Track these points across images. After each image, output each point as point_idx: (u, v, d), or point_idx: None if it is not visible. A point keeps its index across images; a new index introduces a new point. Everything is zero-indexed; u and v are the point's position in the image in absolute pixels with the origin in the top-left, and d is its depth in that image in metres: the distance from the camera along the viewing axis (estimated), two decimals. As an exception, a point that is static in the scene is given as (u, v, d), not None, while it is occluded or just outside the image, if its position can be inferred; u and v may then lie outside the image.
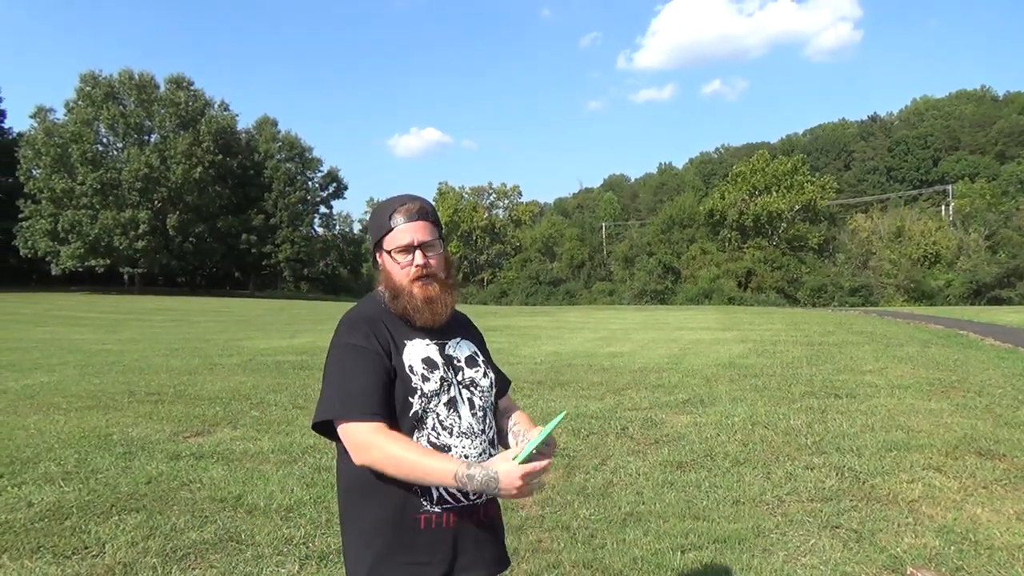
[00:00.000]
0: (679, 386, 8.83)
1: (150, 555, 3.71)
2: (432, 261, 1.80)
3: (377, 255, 1.86)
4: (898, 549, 3.76)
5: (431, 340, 1.83)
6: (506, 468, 1.60)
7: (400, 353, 1.76)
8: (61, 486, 4.78)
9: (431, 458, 1.65)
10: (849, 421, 6.75)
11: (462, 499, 1.73)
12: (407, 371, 1.74)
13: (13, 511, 4.31)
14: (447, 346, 1.86)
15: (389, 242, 1.80)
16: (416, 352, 1.78)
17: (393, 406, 1.72)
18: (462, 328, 1.98)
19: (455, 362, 1.85)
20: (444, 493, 1.71)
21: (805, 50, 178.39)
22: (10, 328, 19.51)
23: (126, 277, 52.41)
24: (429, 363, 1.78)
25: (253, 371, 10.32)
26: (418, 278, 1.79)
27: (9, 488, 4.75)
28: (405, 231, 1.79)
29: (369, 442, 1.65)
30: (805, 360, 11.30)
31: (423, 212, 1.82)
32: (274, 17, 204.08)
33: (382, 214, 1.83)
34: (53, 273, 50.10)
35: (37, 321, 22.61)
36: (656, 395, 8.22)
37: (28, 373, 10.06)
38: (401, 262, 1.79)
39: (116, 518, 4.21)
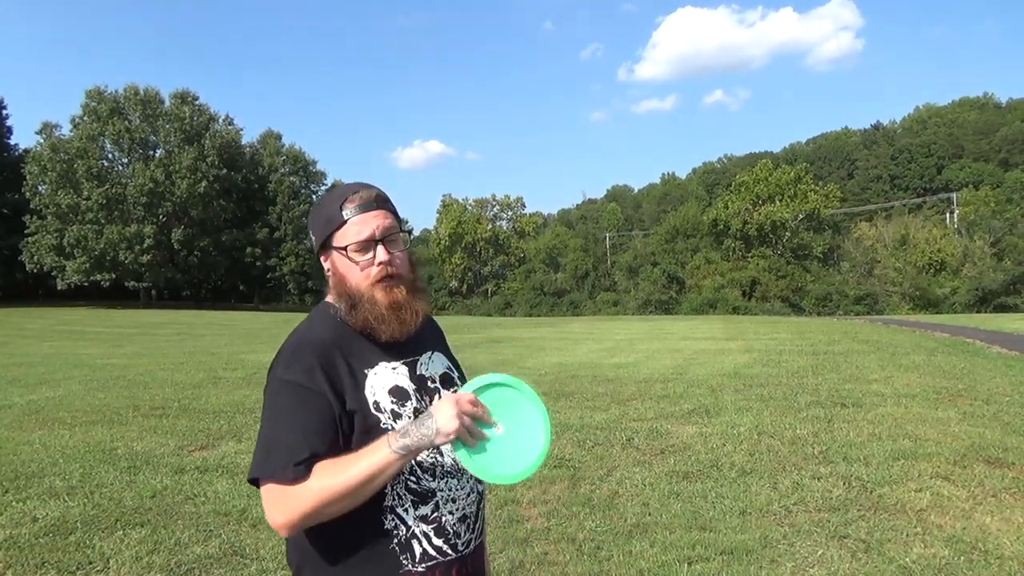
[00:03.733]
0: (684, 396, 8.80)
1: (154, 570, 3.70)
2: (397, 259, 1.49)
3: (324, 258, 1.53)
4: (907, 559, 3.73)
5: (399, 360, 1.52)
6: (440, 406, 1.36)
7: (361, 388, 1.44)
8: (66, 501, 4.78)
9: (361, 460, 1.34)
10: (856, 430, 6.71)
11: (450, 552, 1.48)
12: (371, 409, 1.43)
13: (18, 526, 4.31)
14: (418, 365, 1.55)
15: (341, 238, 1.47)
16: (381, 382, 1.47)
17: (337, 454, 1.39)
18: (431, 339, 1.66)
19: (429, 384, 1.54)
20: (429, 548, 1.45)
21: (807, 59, 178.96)
22: (16, 343, 19.56)
23: (141, 293, 52.49)
24: (399, 393, 1.47)
25: (258, 384, 10.32)
26: (381, 279, 1.46)
27: (14, 503, 4.75)
28: (362, 223, 1.46)
29: (287, 505, 1.33)
30: (811, 369, 11.26)
31: (381, 200, 1.50)
32: (278, 32, 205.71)
33: (330, 205, 1.49)
34: (59, 288, 50.23)
35: (43, 336, 22.67)
36: (661, 405, 8.19)
37: (33, 388, 10.08)
38: (359, 261, 1.46)
39: (120, 533, 4.20)
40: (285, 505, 1.34)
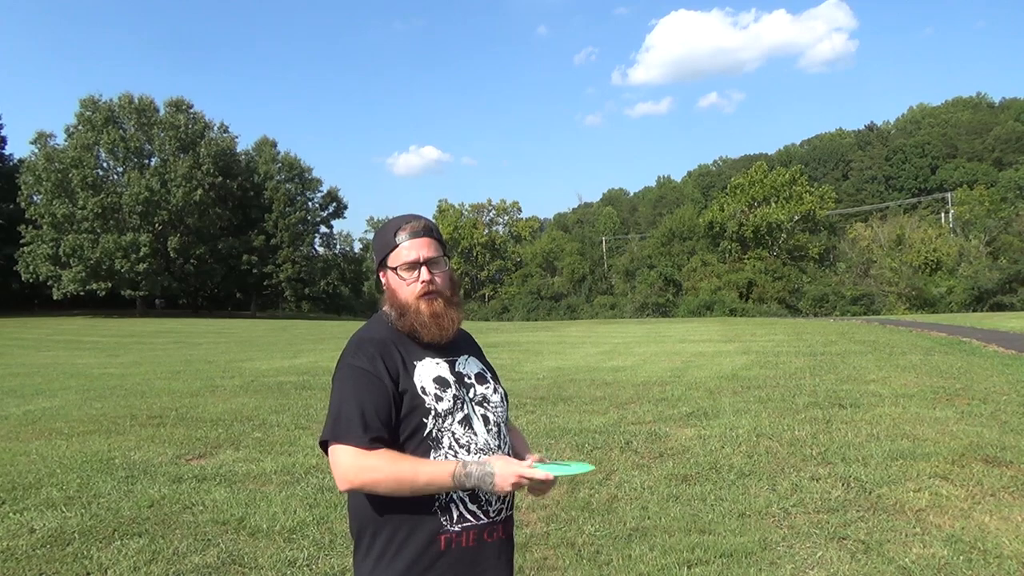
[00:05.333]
0: (682, 399, 8.80)
1: (153, 580, 3.69)
2: (438, 278, 1.81)
3: (381, 274, 1.86)
4: (907, 560, 3.73)
5: (441, 358, 1.83)
6: (503, 466, 1.65)
7: (411, 375, 1.75)
8: (63, 511, 4.76)
9: (426, 465, 1.66)
10: (854, 431, 6.71)
11: (482, 516, 1.74)
12: (419, 392, 1.74)
13: (15, 537, 4.29)
14: (456, 363, 1.86)
15: (394, 259, 1.81)
16: (427, 372, 1.78)
17: (395, 430, 1.71)
18: (468, 346, 1.98)
19: (465, 379, 1.85)
20: (465, 512, 1.72)
21: (801, 61, 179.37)
22: (12, 353, 19.50)
23: (137, 301, 52.32)
24: (441, 382, 1.78)
25: (255, 392, 10.30)
26: (424, 294, 1.79)
27: (11, 514, 4.73)
28: (411, 248, 1.80)
29: (356, 464, 1.64)
30: (808, 370, 11.26)
31: (428, 230, 1.83)
32: (272, 40, 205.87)
33: (387, 232, 1.84)
34: (55, 298, 50.02)
35: (39, 346, 22.60)
36: (660, 408, 8.19)
37: (30, 399, 10.04)
38: (407, 279, 1.79)
39: (118, 543, 4.19)
40: (354, 466, 1.64)
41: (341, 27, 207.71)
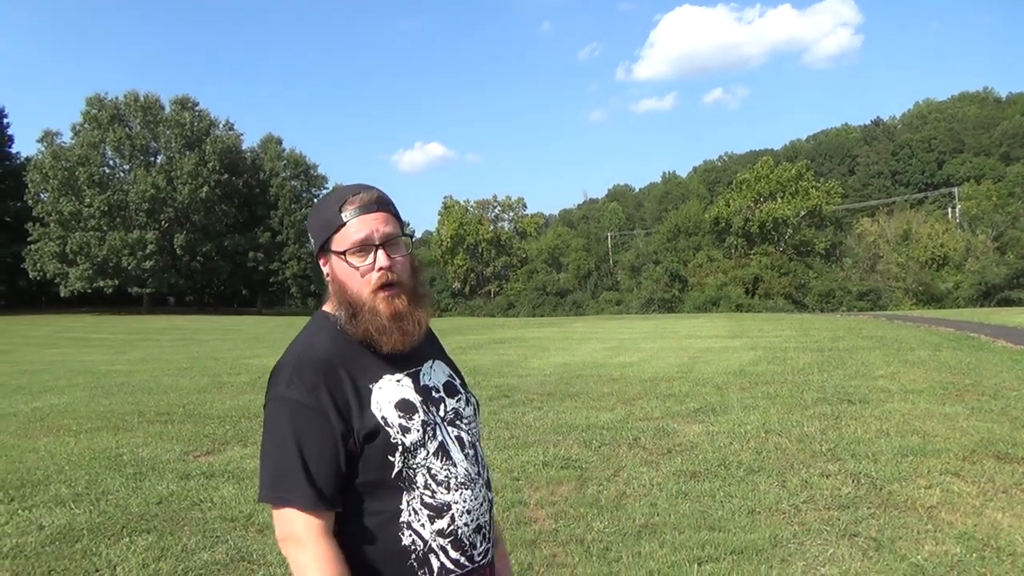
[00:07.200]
0: (690, 395, 8.77)
1: (161, 577, 3.68)
2: (397, 263, 1.44)
3: (323, 262, 1.47)
4: (919, 557, 3.70)
5: (402, 373, 1.46)
6: None
7: (367, 405, 1.39)
8: (72, 508, 4.77)
9: None
10: (863, 427, 6.67)
11: (467, 563, 1.44)
12: (380, 424, 1.38)
13: (24, 534, 4.30)
14: (421, 375, 1.50)
15: (340, 241, 1.41)
16: (387, 396, 1.42)
17: (343, 483, 1.37)
18: (431, 347, 1.60)
19: (433, 394, 1.49)
20: (447, 562, 1.42)
21: (806, 57, 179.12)
22: (20, 351, 19.59)
23: (144, 299, 52.51)
24: (405, 407, 1.42)
25: (262, 389, 10.25)
26: (382, 287, 1.41)
27: (20, 511, 4.74)
28: (361, 224, 1.40)
29: (311, 531, 1.32)
30: (816, 366, 11.21)
31: (381, 202, 1.45)
32: (279, 36, 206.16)
33: (328, 207, 1.44)
34: (62, 295, 50.26)
35: (47, 343, 22.70)
36: (667, 404, 8.16)
37: (38, 396, 10.08)
38: (359, 266, 1.41)
39: (127, 540, 4.19)
40: (310, 532, 1.32)
41: (345, 24, 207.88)
